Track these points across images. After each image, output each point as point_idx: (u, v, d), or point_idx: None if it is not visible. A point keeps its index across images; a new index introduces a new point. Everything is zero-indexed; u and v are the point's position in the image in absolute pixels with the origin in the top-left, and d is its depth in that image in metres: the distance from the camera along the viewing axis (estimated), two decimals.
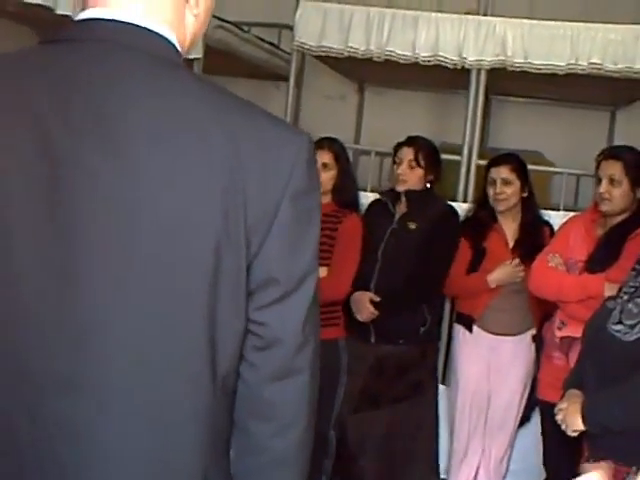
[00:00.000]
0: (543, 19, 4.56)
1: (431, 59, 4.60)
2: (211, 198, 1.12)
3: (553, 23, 4.50)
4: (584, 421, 2.47)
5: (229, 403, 1.20)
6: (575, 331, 3.32)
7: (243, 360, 1.18)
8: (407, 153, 3.90)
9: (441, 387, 4.19)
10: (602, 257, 3.37)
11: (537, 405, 3.73)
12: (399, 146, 3.98)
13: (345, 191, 3.86)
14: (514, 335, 3.87)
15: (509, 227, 3.92)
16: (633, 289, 2.56)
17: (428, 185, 3.94)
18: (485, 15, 4.62)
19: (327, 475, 3.84)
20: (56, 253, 1.11)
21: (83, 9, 1.21)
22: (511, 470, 4.03)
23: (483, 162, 4.33)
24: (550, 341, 3.52)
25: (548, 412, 3.34)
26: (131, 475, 1.14)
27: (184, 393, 1.14)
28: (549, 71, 4.52)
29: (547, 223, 3.95)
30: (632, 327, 2.44)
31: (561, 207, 4.52)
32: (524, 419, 3.99)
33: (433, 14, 4.62)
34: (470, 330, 3.92)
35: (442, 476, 4.11)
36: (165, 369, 1.13)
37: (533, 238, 3.83)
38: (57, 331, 1.12)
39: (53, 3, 3.29)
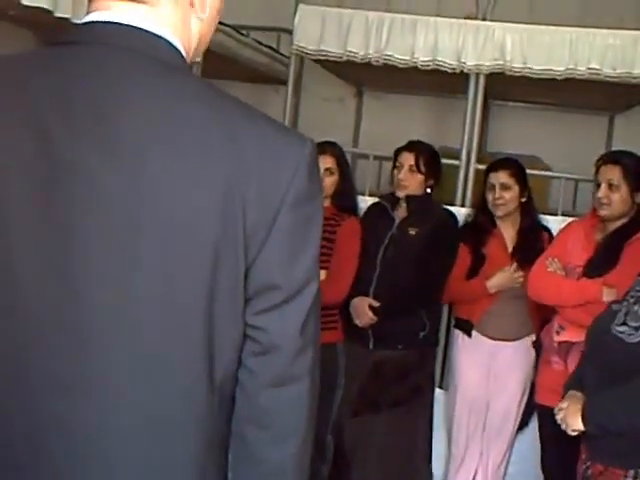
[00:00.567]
0: (542, 24, 4.56)
1: (430, 63, 4.60)
2: (210, 201, 1.11)
3: (552, 28, 4.51)
4: (584, 421, 2.47)
5: (227, 409, 1.19)
6: (573, 336, 3.32)
7: (241, 366, 1.18)
8: (407, 158, 3.90)
9: (439, 392, 4.19)
10: (601, 262, 3.38)
11: (535, 410, 3.73)
12: (399, 151, 3.98)
13: (345, 195, 3.87)
14: (513, 340, 3.87)
15: (508, 232, 3.92)
16: None
17: (428, 190, 3.94)
18: (484, 20, 4.63)
19: None
20: (55, 253, 1.11)
21: (87, 13, 1.21)
22: (509, 474, 4.03)
23: (482, 166, 4.33)
24: (549, 346, 3.52)
25: (546, 417, 3.34)
26: (128, 477, 1.14)
27: (181, 396, 1.14)
28: (548, 76, 4.53)
29: (546, 228, 3.95)
30: (637, 329, 2.45)
31: (559, 212, 4.53)
32: (522, 424, 3.98)
33: (432, 19, 4.63)
34: (469, 335, 3.92)
35: None
36: (163, 371, 1.13)
37: (532, 243, 3.83)
38: (55, 332, 1.12)
39: (53, 6, 3.29)
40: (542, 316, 3.73)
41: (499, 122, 6.75)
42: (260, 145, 1.15)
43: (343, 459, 3.90)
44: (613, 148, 6.05)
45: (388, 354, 3.84)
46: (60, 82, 1.14)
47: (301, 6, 4.82)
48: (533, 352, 3.83)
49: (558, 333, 3.44)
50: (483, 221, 3.94)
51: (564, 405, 2.58)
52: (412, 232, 3.85)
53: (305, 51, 4.82)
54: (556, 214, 4.46)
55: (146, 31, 1.18)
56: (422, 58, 4.58)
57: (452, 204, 4.39)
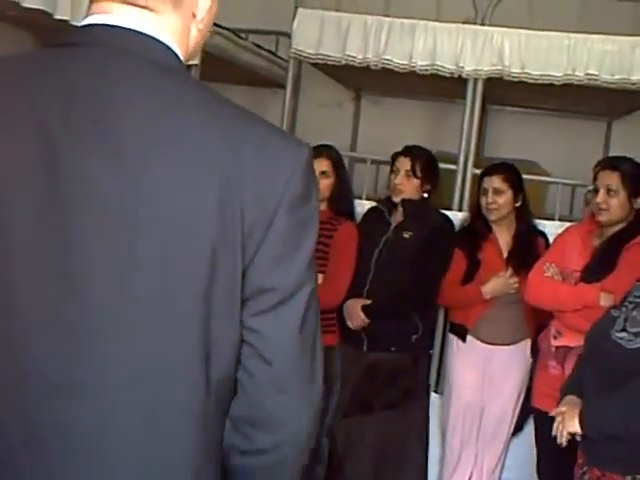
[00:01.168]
0: (540, 29, 4.57)
1: (428, 68, 4.60)
2: (209, 203, 1.12)
3: (550, 33, 4.52)
4: (582, 426, 2.47)
5: (224, 409, 1.20)
6: (571, 341, 3.33)
7: (242, 368, 1.18)
8: (404, 163, 3.91)
9: (435, 396, 4.19)
10: (598, 267, 3.38)
11: (531, 414, 3.73)
12: (396, 156, 3.99)
13: (341, 199, 3.87)
14: (508, 345, 3.87)
15: (503, 237, 3.92)
16: (639, 298, 2.57)
17: (425, 195, 3.94)
18: (482, 25, 4.63)
19: None
20: (52, 253, 1.11)
21: (86, 16, 1.21)
22: (504, 479, 4.03)
23: (479, 171, 4.33)
24: (546, 350, 3.52)
25: (542, 421, 3.35)
26: (125, 478, 1.14)
27: (179, 396, 1.14)
28: (546, 81, 4.54)
29: (542, 233, 3.95)
30: (636, 335, 2.46)
31: (556, 217, 4.53)
32: (517, 428, 3.99)
33: (430, 23, 4.63)
34: (464, 340, 3.92)
35: None
36: (159, 372, 1.13)
37: (527, 248, 3.83)
38: (53, 332, 1.12)
39: (52, 8, 3.29)
40: (538, 321, 3.73)
41: (497, 127, 6.76)
42: (258, 149, 1.15)
43: (335, 460, 3.90)
44: (611, 154, 6.06)
45: (381, 356, 3.85)
46: (60, 83, 1.15)
47: (300, 10, 4.82)
48: (529, 356, 3.84)
49: (555, 338, 3.45)
50: (478, 226, 3.94)
51: (563, 409, 2.58)
52: (406, 235, 3.87)
53: (303, 55, 4.82)
54: (553, 219, 4.46)
55: (146, 35, 1.18)
56: (420, 62, 4.59)
57: (449, 209, 4.40)
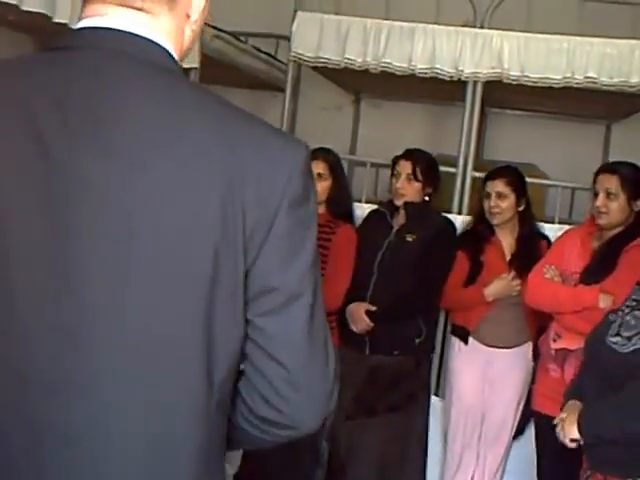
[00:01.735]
0: (539, 32, 4.57)
1: (427, 71, 4.60)
2: (209, 204, 1.12)
3: (549, 36, 4.52)
4: (580, 431, 2.47)
5: (224, 411, 1.20)
6: (570, 343, 3.33)
7: (253, 369, 1.18)
8: (405, 166, 3.91)
9: (436, 399, 4.19)
10: (597, 269, 3.39)
11: (532, 417, 3.73)
12: (397, 159, 3.99)
13: (340, 202, 3.87)
14: (510, 348, 3.87)
15: (506, 240, 3.93)
16: (635, 302, 2.57)
17: (426, 198, 3.95)
18: (482, 28, 4.63)
19: None
20: (51, 254, 1.11)
21: (80, 19, 1.21)
22: None
23: (479, 174, 4.34)
24: (546, 353, 3.53)
25: (543, 424, 3.35)
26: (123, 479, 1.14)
27: (179, 399, 1.14)
28: (545, 84, 4.54)
29: (545, 236, 3.96)
30: (629, 339, 2.46)
31: (556, 220, 4.53)
32: (519, 431, 3.98)
33: (430, 26, 4.63)
34: (465, 342, 3.92)
35: None
36: (159, 374, 1.13)
37: (530, 251, 3.83)
38: (51, 333, 1.11)
39: (51, 11, 3.30)
40: (539, 324, 3.73)
41: (496, 130, 6.76)
42: (257, 149, 1.15)
43: (338, 463, 3.90)
44: (610, 156, 6.07)
45: (384, 360, 3.84)
46: (56, 86, 1.14)
47: (299, 13, 4.82)
48: (530, 359, 3.84)
49: (555, 340, 3.45)
50: (481, 229, 3.95)
51: (563, 415, 2.58)
52: (409, 239, 3.86)
53: (303, 58, 4.82)
54: (553, 222, 4.46)
55: (141, 37, 1.18)
56: (420, 65, 4.59)
57: (449, 212, 4.40)
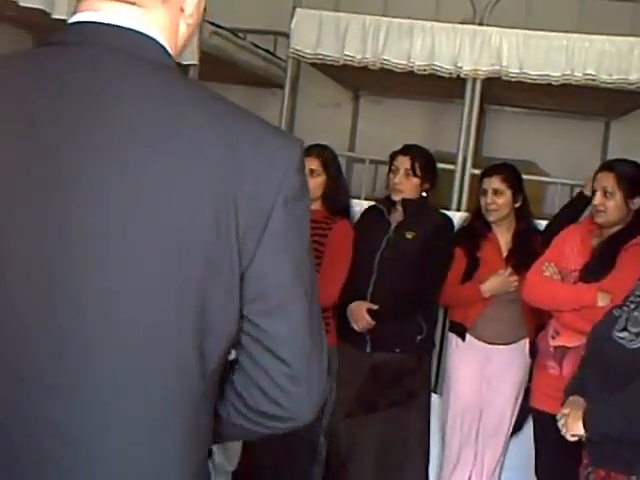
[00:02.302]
0: (539, 29, 4.57)
1: (426, 68, 4.60)
2: (205, 201, 1.11)
3: (548, 34, 4.52)
4: (585, 427, 2.47)
5: (212, 406, 1.20)
6: (568, 341, 3.33)
7: (255, 365, 1.18)
8: (403, 162, 3.90)
9: (434, 396, 4.18)
10: (596, 267, 3.39)
11: (530, 414, 3.73)
12: (395, 155, 3.98)
13: (335, 198, 3.87)
14: (507, 344, 3.87)
15: (503, 236, 3.93)
16: None
17: (424, 194, 3.94)
18: (481, 25, 4.63)
19: None
20: (49, 254, 1.11)
21: (74, 13, 1.21)
22: (503, 479, 4.03)
23: (477, 171, 4.34)
24: (544, 350, 3.53)
25: (541, 421, 3.36)
26: (121, 476, 1.14)
27: (174, 399, 1.14)
28: (544, 81, 4.54)
29: (541, 233, 3.96)
30: (637, 334, 2.45)
31: None
32: (516, 428, 3.99)
33: (429, 23, 4.63)
34: (463, 339, 3.92)
35: None
36: (157, 372, 1.13)
37: (527, 247, 3.84)
38: (49, 333, 1.11)
39: (50, 7, 3.30)
40: (537, 321, 3.73)
41: (495, 127, 6.76)
42: (254, 146, 1.15)
43: (338, 459, 3.90)
44: (609, 154, 6.07)
45: (385, 357, 3.84)
46: (51, 81, 1.14)
47: (298, 10, 4.82)
48: (528, 356, 3.84)
49: (553, 338, 3.45)
50: (478, 225, 3.95)
51: (566, 411, 2.58)
52: (409, 236, 3.86)
53: (302, 55, 4.82)
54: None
55: (136, 31, 1.18)
56: (419, 62, 4.59)
57: (447, 208, 4.40)
